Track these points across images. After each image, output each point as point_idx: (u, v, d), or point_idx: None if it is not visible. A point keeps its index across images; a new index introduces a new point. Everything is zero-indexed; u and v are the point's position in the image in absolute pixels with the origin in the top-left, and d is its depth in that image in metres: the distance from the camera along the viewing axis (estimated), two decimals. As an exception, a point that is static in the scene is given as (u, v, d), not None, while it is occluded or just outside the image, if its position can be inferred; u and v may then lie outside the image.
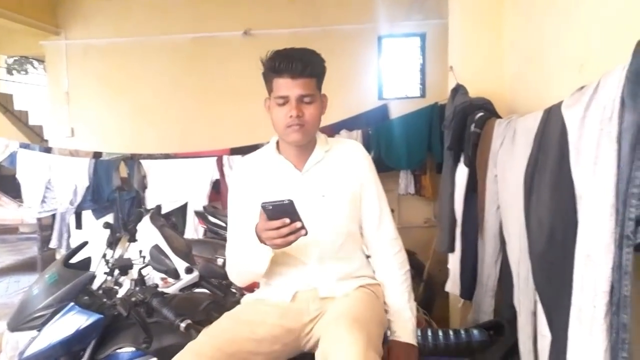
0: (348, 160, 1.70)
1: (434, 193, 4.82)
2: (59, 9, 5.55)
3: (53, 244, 4.84)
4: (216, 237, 4.08)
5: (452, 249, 2.82)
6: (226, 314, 1.63)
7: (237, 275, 1.68)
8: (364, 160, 1.72)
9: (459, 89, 2.89)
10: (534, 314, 1.72)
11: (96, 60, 5.53)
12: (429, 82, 5.23)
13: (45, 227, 5.33)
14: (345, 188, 1.66)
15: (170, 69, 5.42)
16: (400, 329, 1.63)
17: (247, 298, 1.73)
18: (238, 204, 1.70)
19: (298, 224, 1.39)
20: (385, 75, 5.38)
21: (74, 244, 4.09)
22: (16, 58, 10.68)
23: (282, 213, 1.38)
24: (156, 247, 1.89)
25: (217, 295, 2.17)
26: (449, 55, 3.27)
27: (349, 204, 1.66)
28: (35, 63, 10.66)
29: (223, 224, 4.13)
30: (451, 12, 3.25)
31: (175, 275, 1.85)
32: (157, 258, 1.85)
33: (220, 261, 2.80)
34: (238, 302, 1.80)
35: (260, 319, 1.58)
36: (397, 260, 1.69)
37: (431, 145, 4.65)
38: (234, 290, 2.42)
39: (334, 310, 1.53)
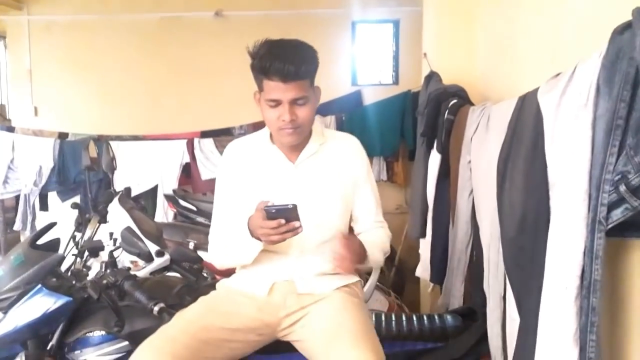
0: (344, 157, 1.66)
1: (406, 180, 4.88)
2: (21, -17, 5.32)
3: (17, 226, 4.73)
4: (187, 221, 4.05)
5: (423, 235, 2.86)
6: (202, 299, 1.61)
7: (220, 261, 1.66)
8: (361, 159, 1.69)
9: (432, 76, 2.91)
10: (504, 298, 1.75)
11: (60, 37, 5.31)
12: (402, 69, 5.23)
13: (8, 209, 5.16)
14: (338, 185, 1.63)
15: (139, 48, 5.24)
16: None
17: (223, 283, 1.71)
18: (226, 188, 1.66)
19: (297, 224, 1.38)
20: (359, 61, 5.35)
21: (39, 226, 3.98)
22: (-26, 34, 10.22)
23: (283, 215, 1.38)
24: (128, 229, 1.84)
25: (189, 279, 2.14)
26: (423, 43, 3.29)
27: (341, 201, 1.64)
28: (-5, 39, 10.23)
29: (194, 208, 4.09)
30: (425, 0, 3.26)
31: (149, 258, 1.81)
32: (129, 240, 1.81)
33: (191, 245, 2.77)
34: (211, 286, 1.78)
35: (237, 310, 1.56)
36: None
37: (404, 132, 4.71)
38: (205, 274, 2.39)
39: (327, 327, 1.49)
